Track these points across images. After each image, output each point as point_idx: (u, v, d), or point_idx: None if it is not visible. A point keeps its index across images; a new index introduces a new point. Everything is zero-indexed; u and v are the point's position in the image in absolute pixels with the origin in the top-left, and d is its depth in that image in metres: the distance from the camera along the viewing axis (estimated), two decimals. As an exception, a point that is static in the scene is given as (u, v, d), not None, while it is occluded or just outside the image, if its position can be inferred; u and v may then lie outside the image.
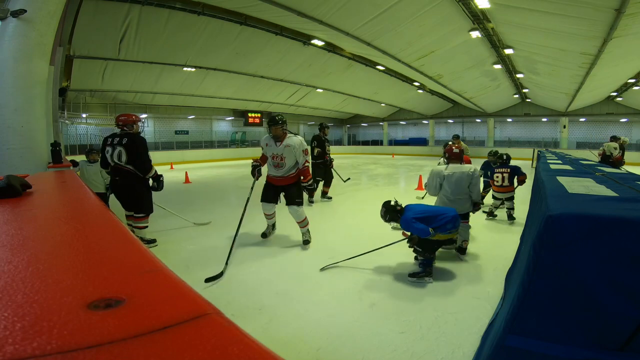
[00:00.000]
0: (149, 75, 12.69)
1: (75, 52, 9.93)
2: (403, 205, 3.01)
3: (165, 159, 15.38)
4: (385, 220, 3.05)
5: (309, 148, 3.94)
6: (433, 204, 3.33)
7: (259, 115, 22.43)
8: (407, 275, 2.81)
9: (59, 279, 0.32)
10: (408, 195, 6.67)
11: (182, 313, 0.26)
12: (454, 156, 3.39)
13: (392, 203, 3.00)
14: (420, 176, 8.29)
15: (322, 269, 3.02)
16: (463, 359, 1.81)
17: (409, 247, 2.91)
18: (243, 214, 3.64)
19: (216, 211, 5.49)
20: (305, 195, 4.83)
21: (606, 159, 8.52)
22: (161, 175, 3.71)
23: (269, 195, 3.71)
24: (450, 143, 3.58)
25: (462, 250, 3.33)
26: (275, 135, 3.58)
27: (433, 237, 2.71)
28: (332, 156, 6.35)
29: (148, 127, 18.62)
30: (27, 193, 0.72)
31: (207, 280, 2.70)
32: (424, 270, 2.77)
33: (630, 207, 1.11)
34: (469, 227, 3.37)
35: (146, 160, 3.51)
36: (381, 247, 3.16)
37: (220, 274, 2.82)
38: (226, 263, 3.01)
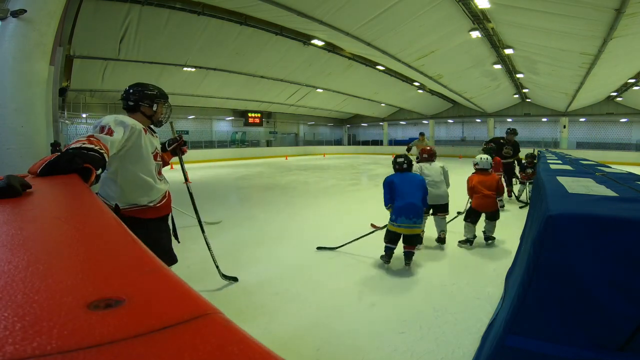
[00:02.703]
0: (149, 75, 12.67)
1: (75, 52, 9.92)
2: (407, 166, 3.17)
3: (165, 159, 15.38)
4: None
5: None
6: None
7: (259, 115, 22.44)
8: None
9: (59, 279, 0.32)
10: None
11: (182, 313, 0.26)
12: (427, 155, 3.89)
13: (401, 160, 3.18)
14: (420, 176, 8.29)
15: (319, 248, 3.53)
16: (463, 359, 1.82)
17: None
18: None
19: (216, 211, 5.48)
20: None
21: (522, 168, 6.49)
22: None
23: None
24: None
25: (440, 240, 3.71)
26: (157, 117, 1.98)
27: (389, 225, 3.03)
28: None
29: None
30: (27, 193, 0.72)
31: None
32: (384, 255, 3.10)
33: (630, 207, 1.11)
34: (445, 218, 3.77)
35: None
36: (365, 235, 3.49)
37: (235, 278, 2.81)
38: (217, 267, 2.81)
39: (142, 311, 0.26)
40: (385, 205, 3.09)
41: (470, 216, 3.66)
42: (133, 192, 1.78)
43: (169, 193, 2.04)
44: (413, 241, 3.05)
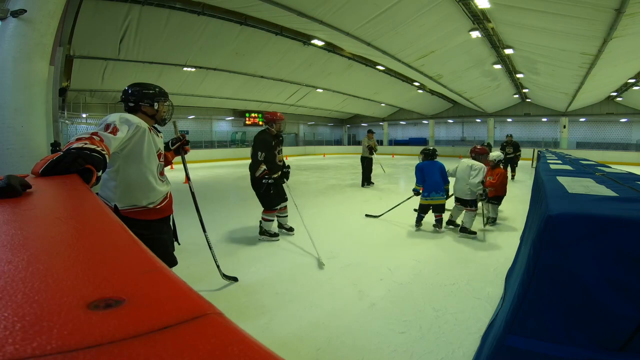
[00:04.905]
0: (149, 75, 12.67)
1: (75, 52, 9.92)
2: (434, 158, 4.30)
3: (165, 159, 15.39)
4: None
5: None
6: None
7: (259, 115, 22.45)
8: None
9: (59, 279, 0.32)
10: (408, 195, 6.70)
11: (182, 313, 0.26)
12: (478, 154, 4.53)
13: (427, 152, 4.34)
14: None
15: (367, 216, 4.97)
16: (463, 359, 1.82)
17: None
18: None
19: (216, 211, 5.49)
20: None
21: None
22: (266, 177, 3.55)
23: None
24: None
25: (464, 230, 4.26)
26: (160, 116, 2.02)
27: (421, 200, 4.20)
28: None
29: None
30: (27, 193, 0.72)
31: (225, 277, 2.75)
32: (417, 222, 4.33)
33: (630, 207, 1.11)
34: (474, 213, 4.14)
35: (252, 157, 3.61)
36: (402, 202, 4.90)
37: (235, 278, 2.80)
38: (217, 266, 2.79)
39: (142, 311, 0.26)
40: (417, 183, 4.29)
41: (492, 200, 4.81)
42: (133, 193, 1.77)
43: (170, 194, 2.03)
44: (440, 209, 4.17)
